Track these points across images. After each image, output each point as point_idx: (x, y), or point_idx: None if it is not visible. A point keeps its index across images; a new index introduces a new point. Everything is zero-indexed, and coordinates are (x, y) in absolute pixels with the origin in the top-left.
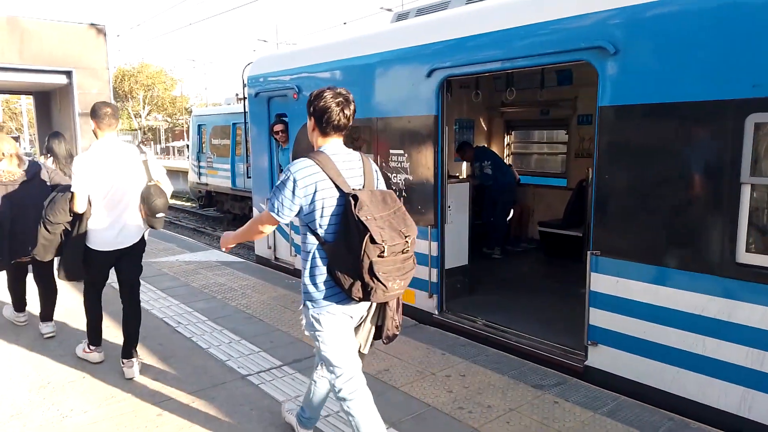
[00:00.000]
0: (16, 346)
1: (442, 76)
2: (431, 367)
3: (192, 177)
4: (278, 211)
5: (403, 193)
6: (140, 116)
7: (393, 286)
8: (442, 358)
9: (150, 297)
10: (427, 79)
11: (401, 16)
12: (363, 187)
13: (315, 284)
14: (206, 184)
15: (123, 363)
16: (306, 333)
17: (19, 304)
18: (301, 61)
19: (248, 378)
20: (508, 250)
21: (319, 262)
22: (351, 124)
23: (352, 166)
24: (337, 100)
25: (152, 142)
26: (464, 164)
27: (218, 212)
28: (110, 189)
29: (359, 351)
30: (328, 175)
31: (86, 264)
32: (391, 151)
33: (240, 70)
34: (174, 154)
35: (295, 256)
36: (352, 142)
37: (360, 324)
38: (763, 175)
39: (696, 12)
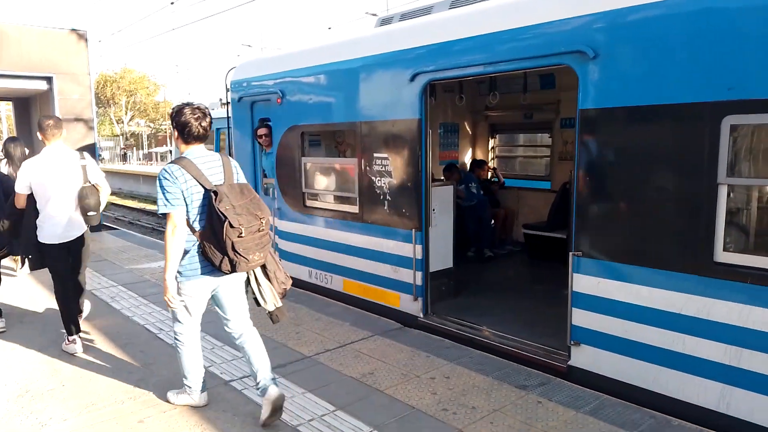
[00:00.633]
0: None
1: (425, 80)
2: (416, 369)
3: None
4: (167, 204)
5: (388, 197)
6: (122, 122)
7: (253, 258)
8: (427, 360)
9: (131, 304)
10: (411, 83)
11: (385, 21)
12: (224, 182)
13: (188, 260)
14: None
15: (67, 341)
16: (169, 297)
17: None
18: (285, 66)
19: (231, 384)
20: (495, 252)
21: (191, 245)
22: (208, 133)
23: (213, 166)
24: (195, 115)
25: (135, 148)
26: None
27: None
28: (53, 190)
29: (270, 310)
30: (192, 175)
31: (43, 257)
32: (375, 155)
33: (223, 75)
34: (157, 160)
35: (279, 261)
36: (336, 146)
37: (256, 290)
38: (740, 175)
39: (673, 17)
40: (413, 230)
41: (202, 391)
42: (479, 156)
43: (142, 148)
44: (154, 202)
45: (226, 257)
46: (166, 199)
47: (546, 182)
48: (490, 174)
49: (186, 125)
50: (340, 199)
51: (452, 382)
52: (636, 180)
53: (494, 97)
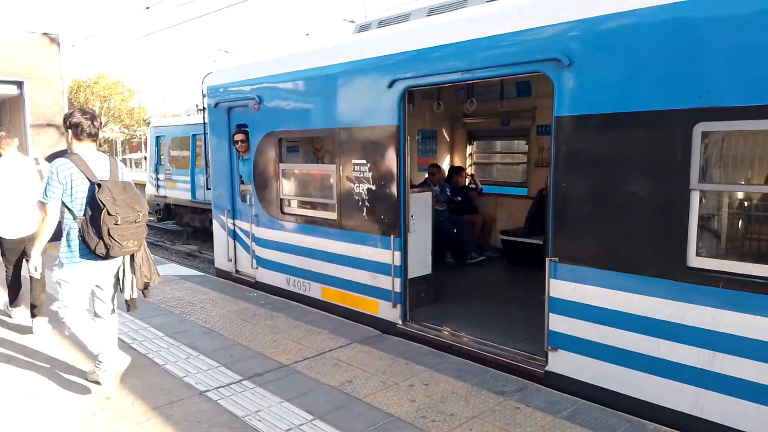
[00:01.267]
0: None
1: (403, 87)
2: (394, 377)
3: (150, 190)
4: (46, 196)
5: (366, 203)
6: None
7: (127, 245)
8: (406, 367)
9: None
10: (389, 89)
11: (363, 28)
12: (109, 178)
13: (70, 247)
14: (165, 197)
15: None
16: (53, 279)
17: None
18: (262, 71)
19: (206, 394)
20: (486, 255)
21: (73, 232)
22: (99, 132)
23: (101, 164)
24: (86, 116)
25: (108, 155)
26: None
27: (177, 225)
28: (11, 192)
29: (127, 299)
30: (80, 169)
31: (3, 249)
32: (354, 161)
33: (200, 81)
34: (131, 167)
35: (257, 268)
36: (314, 153)
37: (119, 279)
38: (711, 181)
39: (645, 25)
40: (392, 236)
41: (109, 362)
42: (457, 162)
43: (116, 155)
44: None
45: (101, 241)
46: (46, 192)
47: (523, 188)
48: (467, 180)
49: (79, 125)
50: (318, 206)
51: (431, 389)
52: (611, 186)
53: (472, 104)
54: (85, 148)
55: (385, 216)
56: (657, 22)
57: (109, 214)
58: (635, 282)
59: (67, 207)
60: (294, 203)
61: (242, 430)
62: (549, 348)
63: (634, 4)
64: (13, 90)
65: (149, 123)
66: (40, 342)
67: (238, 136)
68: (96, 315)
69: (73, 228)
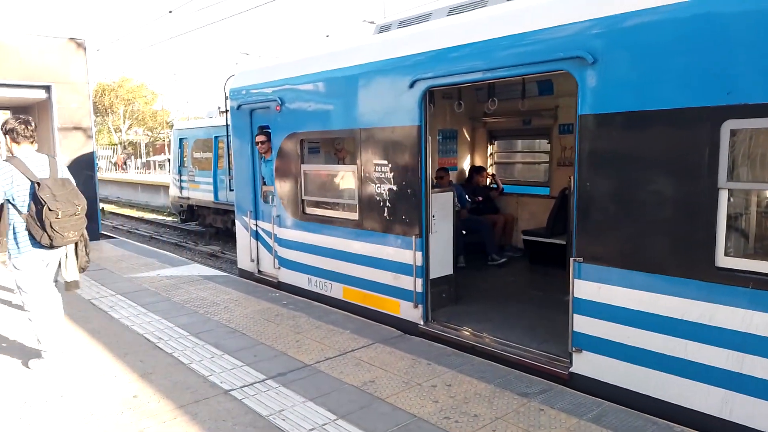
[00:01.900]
0: None
1: (424, 87)
2: (417, 377)
3: (173, 191)
4: None
5: (388, 203)
6: (120, 130)
7: (68, 235)
8: (428, 368)
9: (130, 313)
10: (410, 89)
11: (383, 29)
12: (49, 176)
13: (17, 241)
14: (188, 198)
15: None
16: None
17: None
18: (283, 74)
19: (231, 393)
20: (508, 256)
21: (20, 227)
22: (34, 134)
23: (40, 164)
24: (18, 121)
25: (133, 156)
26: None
27: (200, 226)
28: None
29: (68, 280)
30: (20, 170)
31: None
32: (375, 162)
33: (222, 83)
34: (155, 169)
35: (279, 268)
36: (334, 153)
37: (63, 263)
38: (740, 180)
39: (671, 21)
40: (413, 237)
41: (56, 355)
42: (478, 162)
43: (140, 157)
44: (153, 210)
45: (45, 233)
46: None
47: (545, 188)
48: (488, 180)
49: (13, 130)
50: (339, 206)
51: (454, 390)
52: (636, 185)
53: (493, 104)
54: (23, 151)
55: (407, 216)
56: (683, 18)
57: (50, 209)
58: (662, 282)
59: (12, 205)
60: (315, 204)
61: (266, 429)
62: (573, 349)
63: (658, 1)
64: (42, 94)
65: (172, 125)
66: (70, 342)
67: (260, 138)
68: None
69: (18, 223)
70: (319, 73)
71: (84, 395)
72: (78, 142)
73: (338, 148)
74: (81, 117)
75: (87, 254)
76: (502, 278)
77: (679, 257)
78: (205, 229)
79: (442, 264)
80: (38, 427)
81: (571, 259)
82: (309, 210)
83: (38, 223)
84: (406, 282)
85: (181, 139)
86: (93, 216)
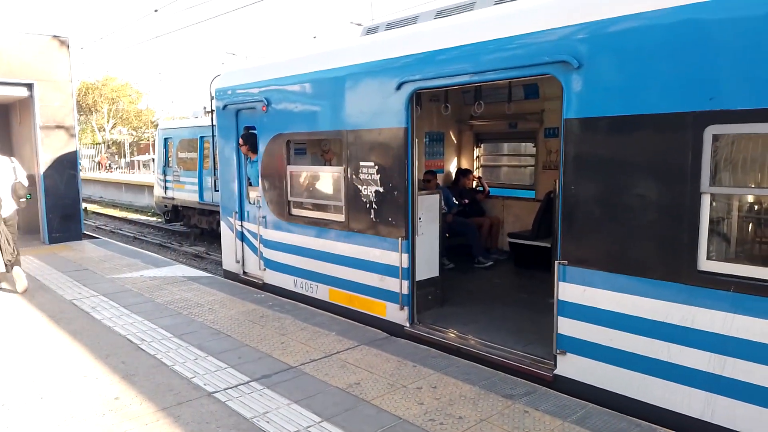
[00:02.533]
0: None
1: (411, 89)
2: (402, 379)
3: (158, 191)
4: None
5: (374, 205)
6: (104, 130)
7: None
8: (414, 370)
9: (112, 314)
10: (397, 91)
11: (371, 30)
12: None
13: None
14: (172, 198)
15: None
16: None
17: None
18: (270, 74)
19: (215, 395)
20: (494, 258)
21: None
22: None
23: None
24: None
25: (117, 156)
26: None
27: (185, 227)
28: None
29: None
30: None
31: None
32: (362, 164)
33: (208, 83)
34: (139, 168)
35: (264, 270)
36: (321, 155)
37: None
38: (722, 185)
39: (655, 27)
40: (400, 239)
41: None
42: (464, 165)
43: (125, 156)
44: (137, 210)
45: None
46: None
47: (530, 191)
48: (475, 183)
49: None
50: (325, 208)
51: (439, 391)
52: (620, 189)
53: (479, 107)
54: None
55: (393, 218)
56: (666, 25)
57: None
58: (645, 285)
59: None
60: (301, 205)
61: (250, 431)
62: (558, 351)
63: (643, 7)
64: (23, 92)
65: (157, 125)
66: (50, 343)
67: (242, 146)
68: None
69: None
70: (306, 74)
71: (64, 397)
72: (61, 141)
73: (325, 149)
74: (64, 116)
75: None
76: (487, 281)
77: (662, 260)
78: (190, 230)
79: (429, 266)
80: (16, 430)
81: (556, 261)
82: (295, 211)
83: None
84: (392, 284)
85: (166, 139)
86: (76, 216)
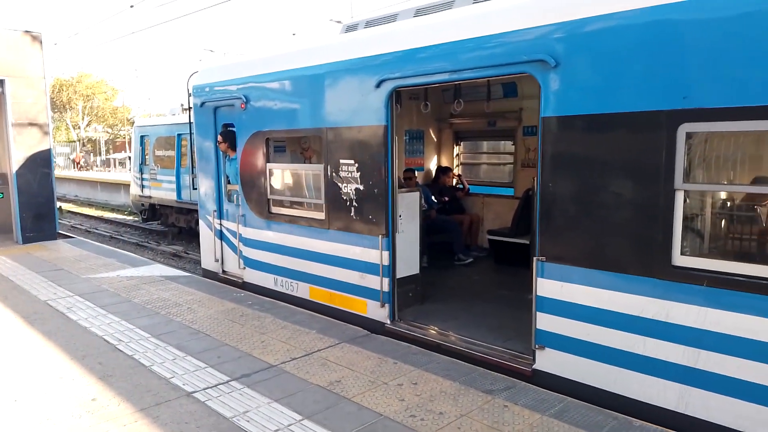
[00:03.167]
0: None
1: (391, 87)
2: (383, 376)
3: (134, 190)
4: None
5: (354, 203)
6: (79, 127)
7: None
8: (394, 367)
9: (88, 314)
10: (377, 89)
11: (350, 28)
12: None
13: None
14: (149, 197)
15: None
16: None
17: None
18: (249, 71)
19: (194, 395)
20: (474, 256)
21: None
22: None
23: None
24: None
25: (92, 154)
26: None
27: (162, 226)
28: None
29: None
30: None
31: None
32: (341, 161)
33: (185, 80)
34: (115, 166)
35: (244, 268)
36: (301, 152)
37: None
38: (695, 181)
39: (629, 27)
40: (380, 236)
41: None
42: (444, 163)
43: (100, 154)
44: (113, 209)
45: None
46: None
47: (509, 189)
48: (455, 181)
49: None
50: (305, 206)
51: (420, 388)
52: (597, 186)
53: (459, 105)
54: None
55: (374, 216)
56: (640, 25)
57: None
58: (621, 281)
59: None
60: (281, 203)
61: (230, 430)
62: (536, 346)
63: (618, 7)
64: None
65: (133, 122)
66: (24, 344)
67: (218, 137)
68: None
69: None
70: (285, 71)
71: (39, 399)
72: (34, 139)
73: (305, 147)
74: (37, 113)
75: None
76: (467, 277)
77: (638, 256)
78: (168, 229)
79: (409, 263)
80: None
81: (535, 258)
82: (275, 209)
83: None
84: (373, 281)
85: (142, 137)
86: (50, 215)
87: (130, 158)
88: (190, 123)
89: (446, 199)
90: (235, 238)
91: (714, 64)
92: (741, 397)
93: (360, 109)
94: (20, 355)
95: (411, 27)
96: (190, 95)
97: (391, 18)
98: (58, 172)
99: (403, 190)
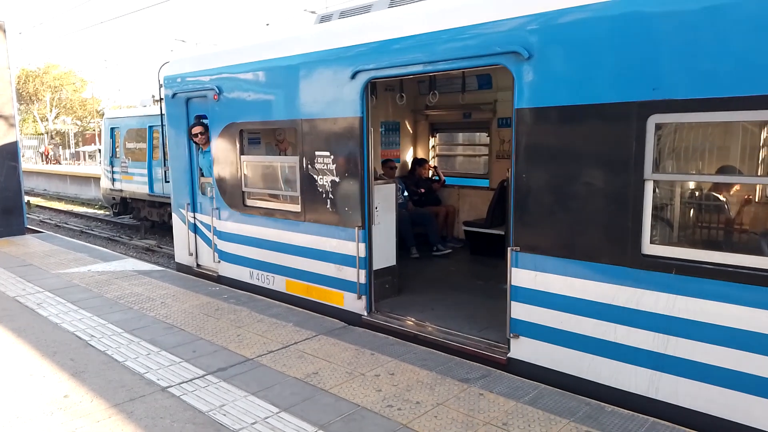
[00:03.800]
0: None
1: (366, 78)
2: (360, 367)
3: (105, 183)
4: None
5: (330, 195)
6: (47, 120)
7: None
8: (372, 358)
9: (59, 310)
10: (352, 80)
11: (324, 18)
12: None
13: None
14: (121, 191)
15: None
16: None
17: None
18: (222, 61)
19: (169, 390)
20: (451, 247)
21: None
22: None
23: None
24: None
25: (60, 147)
26: None
27: (134, 220)
28: None
29: None
30: None
31: None
32: (317, 153)
33: (156, 71)
34: (84, 159)
35: (219, 262)
36: (276, 144)
37: None
38: (664, 171)
39: (601, 19)
40: (356, 228)
41: None
42: (420, 155)
43: (69, 147)
44: (83, 203)
45: None
46: None
47: (485, 180)
48: (431, 172)
49: None
50: (281, 198)
51: (397, 378)
52: (569, 177)
53: (434, 97)
54: None
55: (350, 208)
56: (611, 16)
57: None
58: (593, 269)
59: None
60: (257, 196)
61: (207, 424)
62: (511, 335)
63: None
64: None
65: (103, 114)
66: None
67: (197, 129)
68: None
69: None
70: (259, 62)
71: (8, 397)
72: None
73: (279, 139)
74: (2, 104)
75: None
76: (444, 268)
77: (609, 245)
78: (140, 223)
79: (386, 255)
80: None
81: (509, 248)
82: (250, 202)
83: None
84: (350, 273)
85: (112, 129)
86: (18, 209)
87: (100, 151)
88: (161, 114)
89: (422, 190)
90: (210, 231)
91: (682, 56)
92: (708, 382)
93: (335, 101)
94: None
95: (386, 18)
96: (161, 86)
97: (366, 8)
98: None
99: (379, 181)
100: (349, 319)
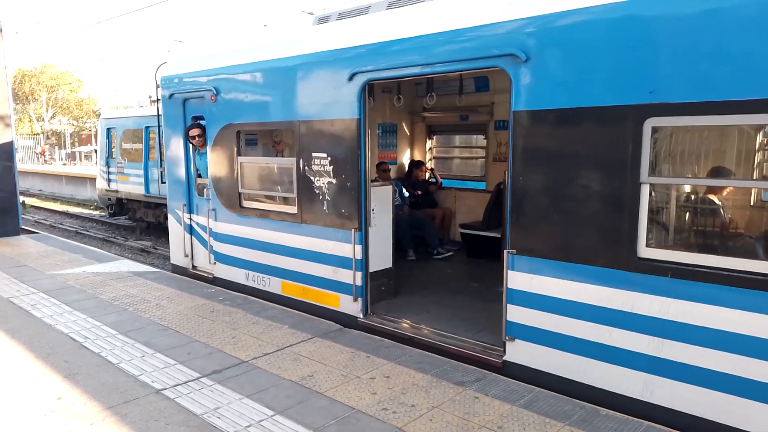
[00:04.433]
0: None
1: (363, 80)
2: (356, 370)
3: (101, 184)
4: None
5: (327, 196)
6: (43, 119)
7: None
8: (367, 360)
9: (53, 311)
10: (349, 82)
11: (322, 20)
12: None
13: None
14: (116, 191)
15: None
16: None
17: None
18: (219, 62)
19: (163, 392)
20: (451, 249)
21: None
22: None
23: None
24: None
25: (56, 147)
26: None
27: (130, 221)
28: None
29: None
30: None
31: None
32: (314, 155)
33: (153, 71)
34: (80, 160)
35: (214, 264)
36: (273, 146)
37: None
38: (660, 175)
39: (599, 22)
40: (353, 230)
41: None
42: (417, 156)
43: (65, 147)
44: (79, 204)
45: None
46: None
47: (481, 182)
48: (428, 175)
49: None
50: (277, 200)
51: (392, 381)
52: (566, 180)
53: (431, 99)
54: None
55: (346, 210)
56: (609, 20)
57: None
58: (589, 273)
59: None
60: (253, 197)
61: (201, 427)
62: (507, 338)
63: (588, 2)
64: None
65: (99, 114)
66: None
67: (195, 131)
68: None
69: None
70: (256, 63)
71: (1, 399)
72: None
73: (276, 140)
74: None
75: None
76: (440, 271)
77: (605, 248)
78: (136, 224)
79: (382, 257)
80: None
81: (505, 251)
82: (246, 203)
83: None
84: (346, 275)
85: (109, 129)
86: (12, 210)
87: (96, 151)
88: (158, 115)
89: (419, 192)
90: (206, 232)
91: (679, 60)
92: (703, 385)
93: (332, 102)
94: None
95: (384, 19)
96: (158, 87)
97: (364, 10)
98: (20, 166)
99: (376, 183)
100: (345, 321)
